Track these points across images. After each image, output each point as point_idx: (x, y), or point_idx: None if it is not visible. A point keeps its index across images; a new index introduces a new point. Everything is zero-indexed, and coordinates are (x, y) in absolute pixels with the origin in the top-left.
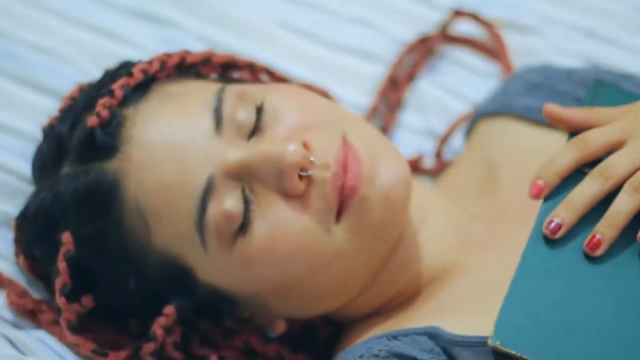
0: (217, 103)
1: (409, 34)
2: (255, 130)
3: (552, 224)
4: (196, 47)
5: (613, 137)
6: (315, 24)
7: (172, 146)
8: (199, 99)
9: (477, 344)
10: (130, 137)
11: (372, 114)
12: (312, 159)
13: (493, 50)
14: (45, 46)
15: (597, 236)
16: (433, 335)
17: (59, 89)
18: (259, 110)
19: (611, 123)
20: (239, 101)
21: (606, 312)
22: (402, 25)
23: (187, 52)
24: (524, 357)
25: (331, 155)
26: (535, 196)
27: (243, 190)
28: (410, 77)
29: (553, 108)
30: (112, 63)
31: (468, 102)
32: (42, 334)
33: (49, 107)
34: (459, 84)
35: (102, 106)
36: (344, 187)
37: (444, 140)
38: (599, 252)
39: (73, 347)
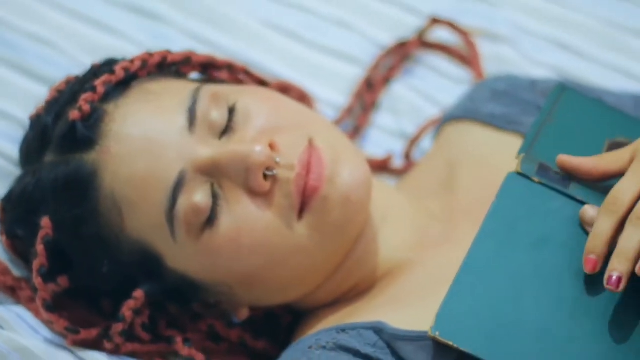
0: (192, 102)
1: (388, 38)
2: (226, 130)
3: (613, 279)
4: (185, 43)
5: (638, 186)
6: (299, 24)
7: (147, 141)
8: (175, 98)
9: (419, 338)
10: (109, 131)
11: (347, 114)
12: (277, 159)
13: (467, 57)
14: (41, 36)
15: (614, 275)
16: (378, 330)
17: (53, 77)
18: (231, 111)
19: (626, 171)
20: (213, 101)
21: (542, 311)
22: (382, 30)
23: (168, 52)
24: (460, 348)
25: (296, 157)
26: (592, 270)
27: (212, 186)
28: (386, 80)
29: (565, 159)
30: (104, 55)
31: (440, 106)
32: (20, 310)
33: (43, 95)
34: (432, 88)
35: (84, 101)
36: (306, 187)
37: (413, 141)
38: (621, 288)
39: (48, 324)
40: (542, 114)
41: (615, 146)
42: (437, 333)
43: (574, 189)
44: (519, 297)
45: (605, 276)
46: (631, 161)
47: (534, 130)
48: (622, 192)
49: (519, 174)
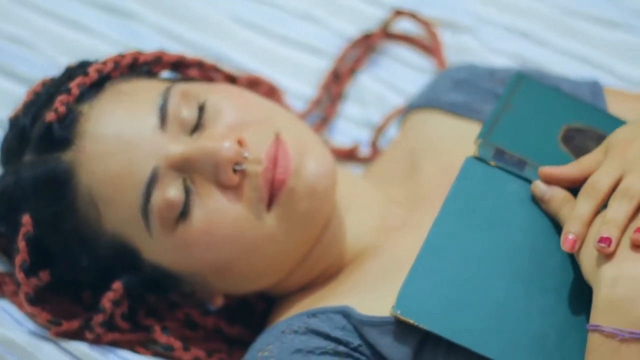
0: (163, 101)
1: (353, 30)
2: (197, 127)
3: (569, 238)
4: (157, 40)
5: (614, 175)
6: (267, 18)
7: (121, 140)
8: (147, 98)
9: (383, 323)
10: (84, 131)
11: (315, 105)
12: (246, 154)
13: (429, 47)
14: (18, 36)
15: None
16: (346, 314)
17: (31, 77)
18: (201, 109)
19: (602, 164)
20: (183, 100)
21: (499, 289)
22: (347, 22)
23: (139, 53)
24: (421, 326)
25: (263, 151)
26: (571, 249)
27: (184, 181)
28: (352, 71)
29: (548, 171)
30: (80, 54)
31: (405, 95)
32: (5, 303)
33: (22, 94)
34: (396, 78)
35: (60, 103)
36: (274, 180)
37: (379, 130)
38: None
39: (31, 317)
40: (500, 102)
41: (571, 131)
42: (399, 312)
43: (529, 172)
44: (477, 276)
45: (596, 240)
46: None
47: (492, 117)
48: (600, 179)
49: (477, 158)
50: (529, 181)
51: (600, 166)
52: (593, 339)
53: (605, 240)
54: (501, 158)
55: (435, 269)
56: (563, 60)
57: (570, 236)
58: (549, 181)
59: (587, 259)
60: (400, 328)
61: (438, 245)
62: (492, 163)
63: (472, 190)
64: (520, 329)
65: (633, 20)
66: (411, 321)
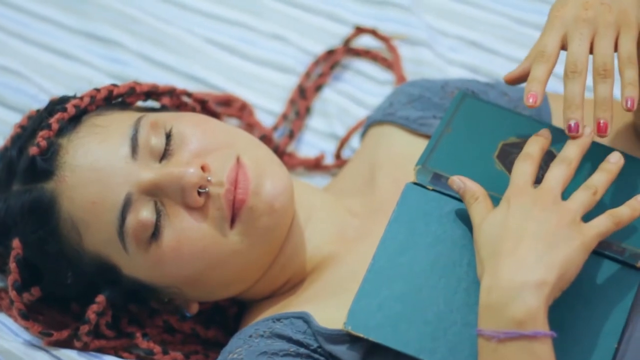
0: (134, 132)
1: (319, 48)
2: (165, 154)
3: (573, 125)
4: (139, 64)
5: (558, 37)
6: (239, 40)
7: (96, 170)
8: (119, 129)
9: (337, 335)
10: (64, 162)
11: (283, 120)
12: (209, 178)
13: (389, 61)
14: (9, 66)
15: (601, 122)
16: (306, 320)
17: (22, 105)
18: (168, 136)
19: (543, 30)
20: (152, 129)
21: (439, 301)
22: (313, 40)
23: (114, 86)
24: (370, 339)
25: (225, 174)
26: (534, 104)
27: (155, 204)
28: (317, 86)
29: (509, 76)
30: (67, 80)
31: (367, 107)
32: (2, 316)
33: (13, 121)
34: (359, 91)
35: (42, 137)
36: (235, 200)
37: (343, 142)
38: (609, 131)
39: (25, 329)
40: (441, 124)
41: (507, 147)
42: (350, 327)
43: None
44: (419, 290)
45: (595, 123)
46: None
47: (433, 140)
48: (547, 43)
49: (416, 183)
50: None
51: (542, 32)
52: (479, 342)
53: (602, 128)
54: (438, 182)
55: (381, 286)
56: (513, 66)
57: (532, 93)
58: (510, 82)
59: (478, 267)
60: (352, 338)
61: (383, 264)
62: (430, 187)
63: (412, 213)
64: (459, 336)
65: None
66: (360, 335)
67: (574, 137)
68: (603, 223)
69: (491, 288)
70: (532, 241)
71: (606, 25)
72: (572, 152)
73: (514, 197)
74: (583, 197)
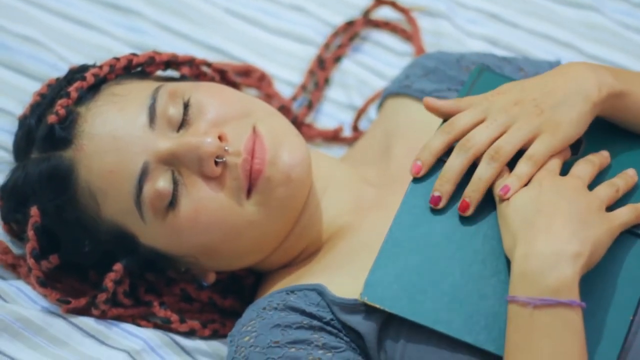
0: (152, 101)
1: (340, 19)
2: (182, 123)
3: (435, 197)
4: (157, 34)
5: (475, 117)
6: (259, 10)
7: (114, 139)
8: (138, 98)
9: (352, 305)
10: (82, 131)
11: (302, 91)
12: (226, 147)
13: (408, 33)
14: (29, 35)
15: (466, 199)
16: (320, 291)
17: (41, 73)
18: (186, 106)
19: (471, 105)
20: (170, 98)
21: (455, 273)
22: (332, 12)
23: (133, 55)
24: (387, 310)
25: (242, 144)
26: (416, 174)
27: (172, 173)
28: (336, 57)
29: (428, 101)
30: (86, 50)
31: (386, 79)
32: (20, 284)
33: (32, 89)
34: (378, 63)
35: (60, 106)
36: (252, 170)
37: (360, 113)
38: (469, 212)
39: (43, 296)
40: (460, 95)
41: None
42: (366, 298)
43: None
44: (435, 262)
45: (461, 199)
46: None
47: None
48: (460, 119)
49: None
50: None
51: (469, 107)
52: (511, 309)
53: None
54: None
55: (398, 257)
56: (531, 39)
57: (418, 162)
58: (427, 109)
59: (507, 239)
60: (368, 308)
61: (400, 234)
62: (446, 160)
63: (429, 185)
64: (475, 307)
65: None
66: (377, 305)
67: (433, 208)
68: (626, 214)
69: (528, 256)
70: (566, 217)
71: (526, 123)
72: (597, 158)
73: (545, 178)
74: (607, 191)
